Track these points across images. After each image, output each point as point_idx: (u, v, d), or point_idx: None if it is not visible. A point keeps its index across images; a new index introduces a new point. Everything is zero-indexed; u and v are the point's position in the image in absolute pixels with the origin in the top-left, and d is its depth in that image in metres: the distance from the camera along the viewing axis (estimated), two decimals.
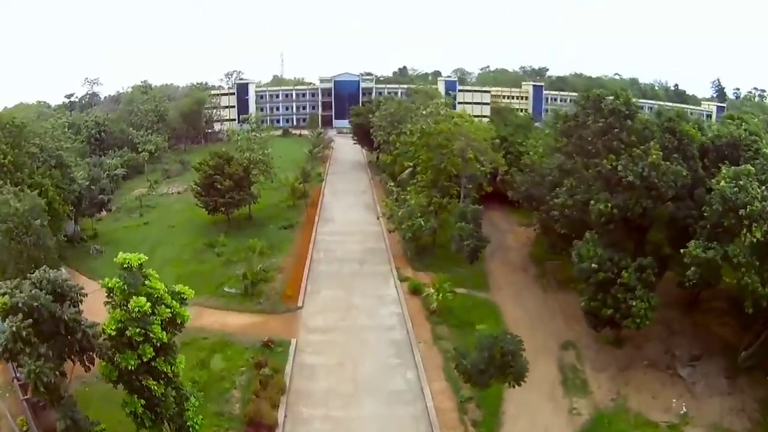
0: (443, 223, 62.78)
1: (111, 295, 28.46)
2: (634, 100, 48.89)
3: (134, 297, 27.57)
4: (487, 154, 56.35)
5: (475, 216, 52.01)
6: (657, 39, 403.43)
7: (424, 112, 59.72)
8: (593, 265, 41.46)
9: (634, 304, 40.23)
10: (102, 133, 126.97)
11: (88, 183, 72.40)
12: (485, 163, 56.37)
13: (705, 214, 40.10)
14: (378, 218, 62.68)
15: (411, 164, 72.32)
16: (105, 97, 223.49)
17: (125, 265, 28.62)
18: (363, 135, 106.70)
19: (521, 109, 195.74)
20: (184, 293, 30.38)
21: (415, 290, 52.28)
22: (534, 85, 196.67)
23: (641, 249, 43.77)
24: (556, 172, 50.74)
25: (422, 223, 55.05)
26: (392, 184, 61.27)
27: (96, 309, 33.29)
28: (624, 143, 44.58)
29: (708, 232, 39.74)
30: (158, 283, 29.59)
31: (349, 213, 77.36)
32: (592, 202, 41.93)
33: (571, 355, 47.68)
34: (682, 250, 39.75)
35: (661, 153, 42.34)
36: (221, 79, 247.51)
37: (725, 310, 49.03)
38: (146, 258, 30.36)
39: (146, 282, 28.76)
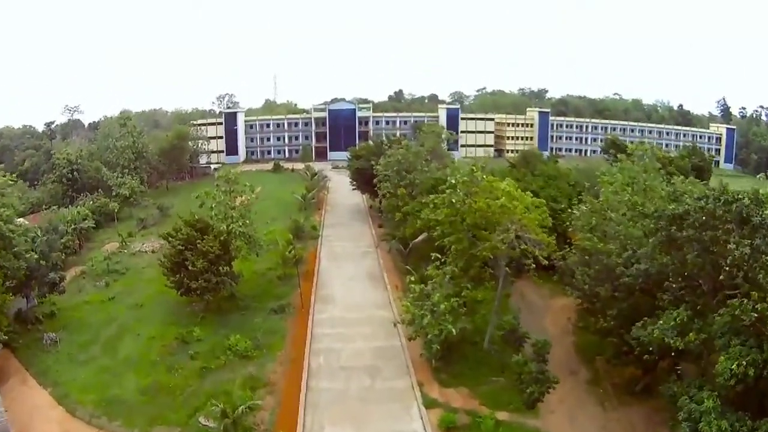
0: (473, 307, 50.44)
1: None
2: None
3: None
4: (540, 238, 44.14)
5: (541, 351, 39.69)
6: (656, 58, 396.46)
7: (453, 180, 46.76)
8: None
9: None
10: (75, 173, 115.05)
11: (37, 257, 59.76)
12: (533, 246, 44.13)
13: None
14: (395, 325, 49.90)
15: (424, 227, 60.63)
16: (89, 123, 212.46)
17: None
18: (364, 181, 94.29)
19: (528, 137, 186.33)
20: None
21: (448, 428, 39.59)
22: (540, 112, 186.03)
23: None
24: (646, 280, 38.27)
25: (452, 329, 42.63)
26: (413, 279, 48.61)
27: None
28: None
29: None
30: None
31: (352, 288, 64.62)
32: (721, 359, 29.32)
33: None
34: None
35: None
36: (213, 102, 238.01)
37: None
38: None
39: None
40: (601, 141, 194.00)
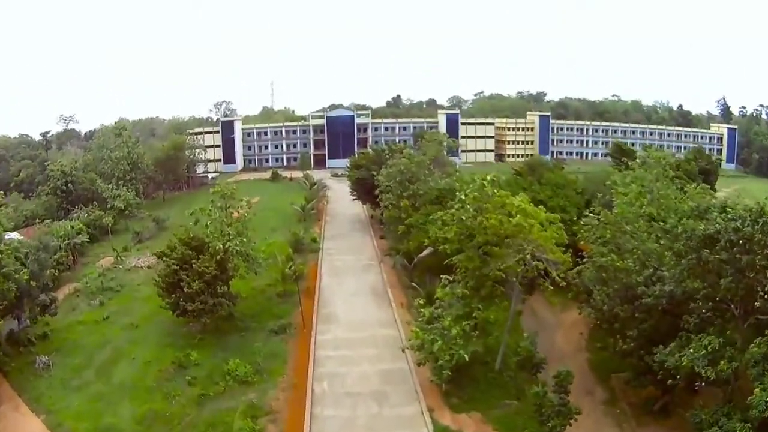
0: (484, 328, 48.03)
1: None
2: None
3: None
4: (557, 257, 41.78)
5: (563, 382, 37.31)
6: (654, 58, 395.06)
7: (462, 196, 44.11)
8: None
9: None
10: (69, 185, 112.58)
11: (27, 278, 57.27)
12: (550, 266, 41.78)
13: None
14: (403, 351, 47.47)
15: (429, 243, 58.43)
16: (85, 133, 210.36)
17: None
18: (365, 191, 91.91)
19: (528, 141, 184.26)
20: None
21: None
22: (540, 116, 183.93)
23: None
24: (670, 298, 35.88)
25: (464, 355, 40.29)
26: (420, 301, 46.30)
27: None
28: None
29: None
30: None
31: (355, 305, 62.16)
32: (757, 390, 27.04)
33: None
34: None
35: None
36: (210, 110, 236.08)
37: None
38: None
39: None
40: (603, 144, 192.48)
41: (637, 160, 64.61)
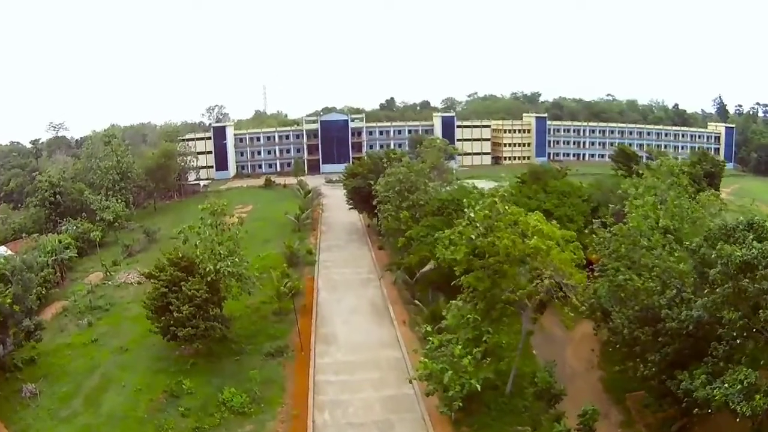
0: (495, 352, 45.32)
1: None
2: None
3: None
4: (576, 279, 39.11)
5: (589, 422, 34.73)
6: (647, 56, 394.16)
7: (472, 214, 41.03)
8: None
9: None
10: (57, 196, 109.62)
11: (10, 302, 54.43)
12: (569, 291, 39.16)
13: None
14: (410, 381, 44.69)
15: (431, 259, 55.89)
16: (76, 140, 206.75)
17: None
18: (361, 200, 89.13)
19: (525, 143, 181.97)
20: None
21: None
22: (537, 117, 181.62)
23: None
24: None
25: (477, 385, 37.66)
26: (428, 328, 43.60)
27: None
28: None
29: None
30: None
31: (355, 324, 59.29)
32: None
33: None
34: None
35: None
36: (202, 114, 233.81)
37: None
38: None
39: None
40: (600, 145, 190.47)
41: (651, 166, 62.06)
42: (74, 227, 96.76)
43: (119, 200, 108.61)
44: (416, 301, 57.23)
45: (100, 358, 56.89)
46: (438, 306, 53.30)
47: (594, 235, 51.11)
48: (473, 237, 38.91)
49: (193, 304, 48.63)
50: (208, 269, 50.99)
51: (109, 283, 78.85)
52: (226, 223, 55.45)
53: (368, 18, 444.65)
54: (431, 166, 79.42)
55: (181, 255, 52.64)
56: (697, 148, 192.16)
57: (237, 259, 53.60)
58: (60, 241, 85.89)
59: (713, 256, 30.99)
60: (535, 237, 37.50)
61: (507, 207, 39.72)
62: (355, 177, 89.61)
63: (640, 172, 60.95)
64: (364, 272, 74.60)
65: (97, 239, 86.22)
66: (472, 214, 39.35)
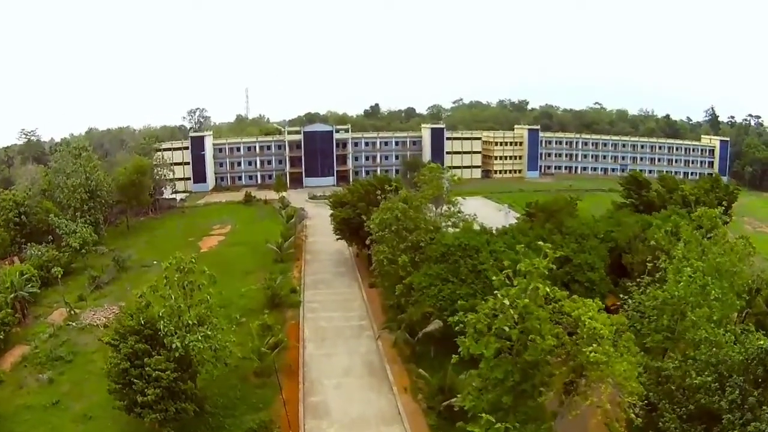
0: None
1: None
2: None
3: None
4: (635, 389, 32.01)
5: None
6: (637, 64, 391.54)
7: (506, 301, 32.39)
8: None
9: None
10: (23, 216, 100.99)
11: None
12: (628, 408, 32.16)
13: None
14: None
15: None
16: (50, 147, 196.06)
17: None
18: (351, 232, 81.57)
19: (517, 156, 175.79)
20: None
21: None
22: (530, 129, 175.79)
23: None
24: None
25: None
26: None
27: None
28: None
29: None
30: None
31: (349, 391, 51.74)
32: None
33: None
34: None
35: None
36: (183, 117, 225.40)
37: None
38: None
39: None
40: (593, 157, 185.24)
41: (691, 215, 55.50)
42: (39, 253, 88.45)
43: (87, 222, 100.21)
44: (420, 370, 49.95)
45: (62, 427, 49.23)
46: (446, 376, 46.29)
47: (623, 295, 44.81)
48: (507, 329, 31.34)
49: (160, 386, 40.86)
50: (174, 346, 42.59)
51: (73, 324, 70.84)
52: (194, 283, 46.17)
53: (352, 22, 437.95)
54: (431, 198, 71.62)
55: (142, 321, 44.31)
56: (691, 162, 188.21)
57: (209, 332, 44.84)
58: (22, 273, 77.52)
59: None
60: (593, 344, 30.13)
61: (549, 289, 31.98)
62: (344, 206, 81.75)
63: (678, 223, 53.97)
64: (356, 317, 67.06)
65: (59, 275, 77.74)
66: (506, 301, 31.56)
